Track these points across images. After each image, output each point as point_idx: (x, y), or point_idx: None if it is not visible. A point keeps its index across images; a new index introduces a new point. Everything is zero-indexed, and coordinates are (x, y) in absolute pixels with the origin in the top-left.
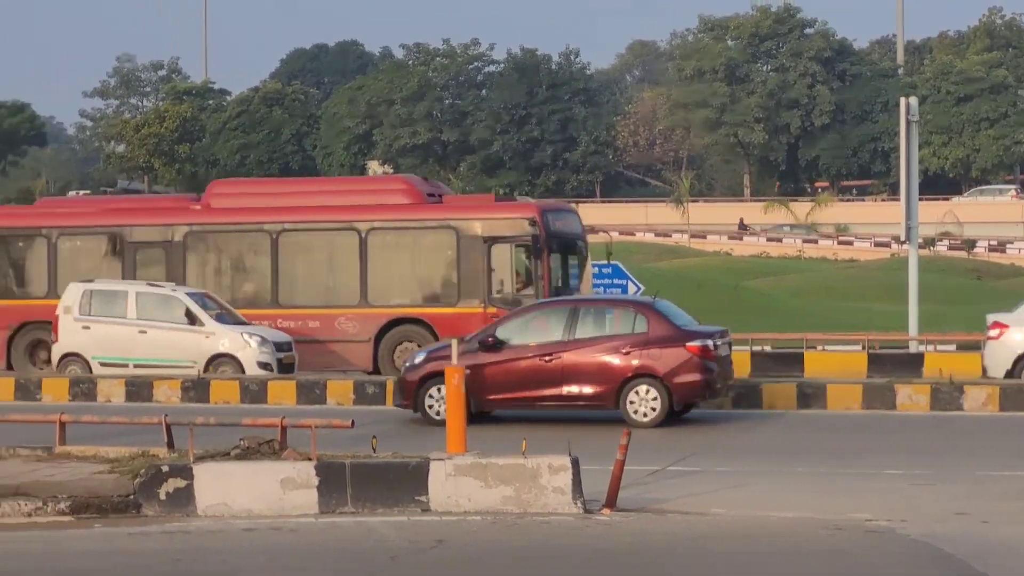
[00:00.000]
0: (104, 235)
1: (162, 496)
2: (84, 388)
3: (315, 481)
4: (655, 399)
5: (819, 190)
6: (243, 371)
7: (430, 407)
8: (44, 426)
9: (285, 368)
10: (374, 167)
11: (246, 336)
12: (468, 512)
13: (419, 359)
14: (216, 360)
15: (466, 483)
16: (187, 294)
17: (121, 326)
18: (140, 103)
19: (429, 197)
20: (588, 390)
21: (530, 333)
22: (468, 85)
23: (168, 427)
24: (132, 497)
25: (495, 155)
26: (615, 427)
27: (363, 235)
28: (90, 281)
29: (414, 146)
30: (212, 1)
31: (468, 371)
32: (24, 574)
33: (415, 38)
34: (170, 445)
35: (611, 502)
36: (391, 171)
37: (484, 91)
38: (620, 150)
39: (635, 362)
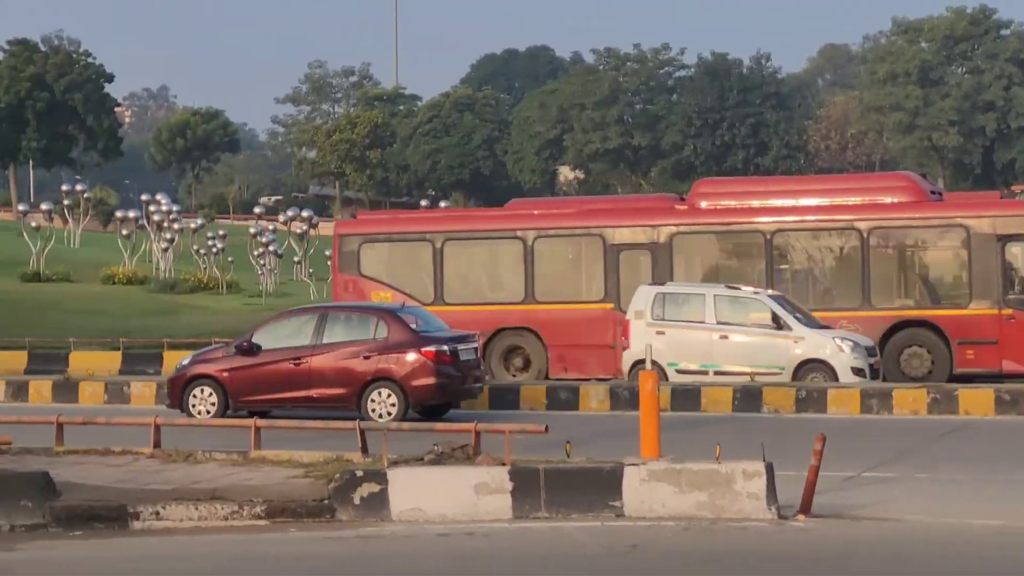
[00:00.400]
0: (583, 237)
1: (356, 501)
2: None
3: (509, 486)
4: (393, 401)
5: (1016, 193)
6: (836, 378)
7: (193, 407)
8: (240, 431)
9: (875, 374)
10: (565, 172)
11: (838, 341)
12: (662, 517)
13: (187, 361)
14: (805, 366)
15: (660, 488)
16: (770, 297)
17: (699, 331)
18: (331, 109)
19: (932, 195)
20: (332, 392)
21: (283, 338)
22: (659, 89)
23: (362, 432)
24: (326, 502)
25: (686, 159)
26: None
27: (864, 235)
28: (661, 284)
29: (605, 151)
30: (403, 7)
31: (226, 374)
32: (223, 575)
33: (606, 43)
34: (364, 450)
35: (806, 508)
36: (581, 176)
37: (675, 95)
38: (812, 154)
39: (374, 366)
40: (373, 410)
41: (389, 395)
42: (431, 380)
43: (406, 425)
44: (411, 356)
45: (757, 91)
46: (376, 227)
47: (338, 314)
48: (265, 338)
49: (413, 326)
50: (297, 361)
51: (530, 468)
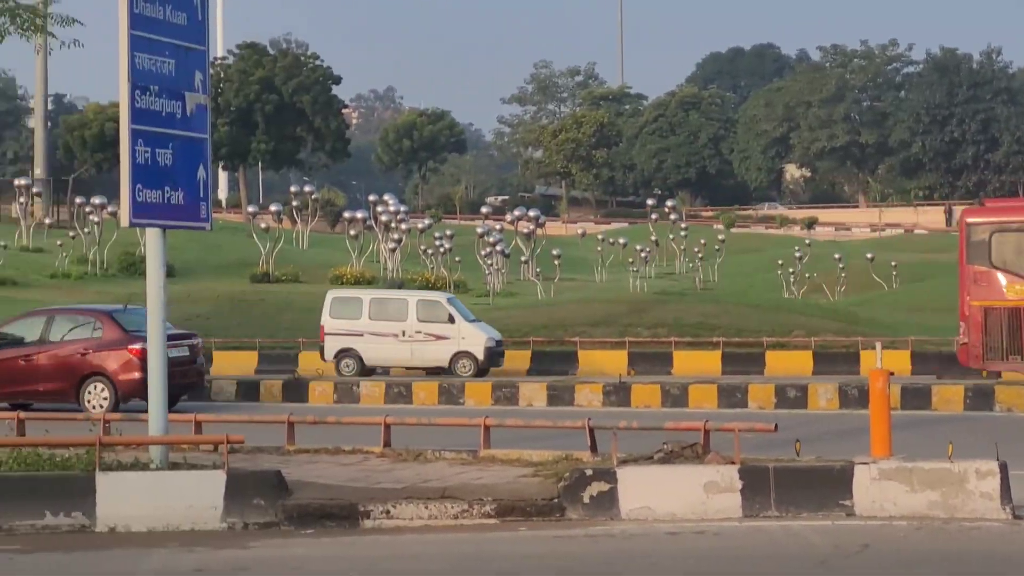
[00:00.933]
0: None
1: (586, 500)
2: (506, 392)
3: (738, 485)
4: (105, 395)
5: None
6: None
7: None
8: (467, 430)
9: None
10: (791, 170)
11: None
12: (893, 517)
13: None
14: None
15: (891, 487)
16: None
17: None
18: (557, 109)
19: None
20: (55, 386)
21: (22, 336)
22: (886, 86)
23: (592, 431)
24: (556, 500)
25: (914, 157)
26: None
27: None
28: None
29: (832, 149)
30: (628, 6)
31: None
32: (455, 574)
33: (832, 40)
34: (593, 449)
35: None
36: (808, 174)
37: (903, 92)
38: None
39: (89, 363)
40: (89, 402)
41: (103, 389)
42: (138, 375)
43: (635, 424)
44: (120, 354)
45: (988, 86)
46: (1009, 215)
47: (64, 315)
48: (10, 334)
49: (127, 327)
50: (27, 358)
51: (760, 467)
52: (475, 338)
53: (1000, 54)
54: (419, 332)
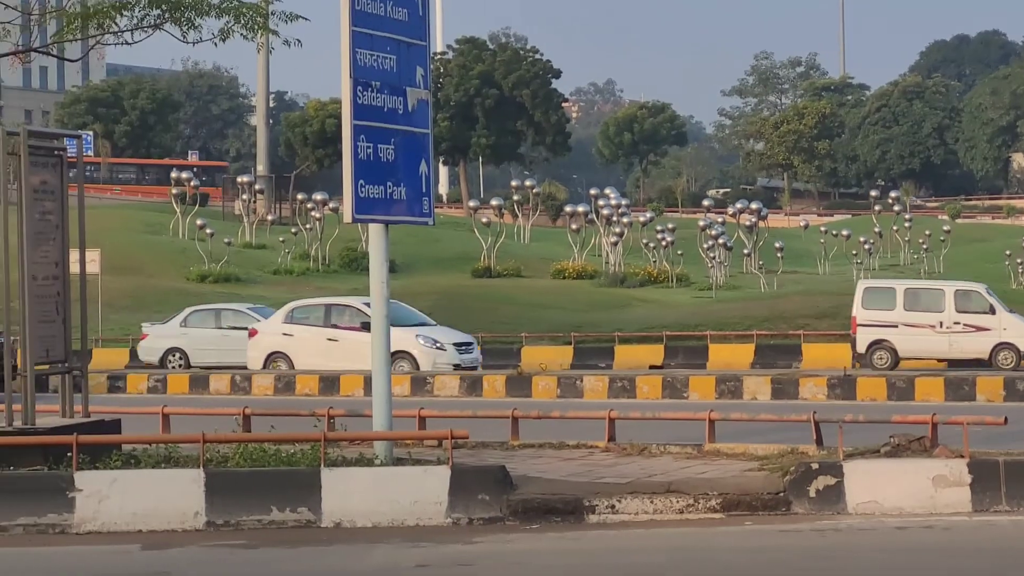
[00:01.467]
0: None
1: (811, 494)
2: (730, 386)
3: (968, 479)
4: None
5: None
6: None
7: None
8: (692, 424)
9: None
10: (1018, 159)
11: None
12: None
13: None
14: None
15: None
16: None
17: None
18: (778, 100)
19: None
20: None
21: None
22: None
23: (817, 425)
24: (782, 495)
25: None
26: None
27: None
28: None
29: None
30: None
31: None
32: (682, 569)
33: None
34: (819, 443)
35: None
36: None
37: None
38: None
39: None
40: None
41: None
42: None
43: (862, 417)
44: None
45: None
46: None
47: None
48: None
49: None
50: None
51: (990, 460)
52: (1018, 329)
53: None
54: (957, 323)
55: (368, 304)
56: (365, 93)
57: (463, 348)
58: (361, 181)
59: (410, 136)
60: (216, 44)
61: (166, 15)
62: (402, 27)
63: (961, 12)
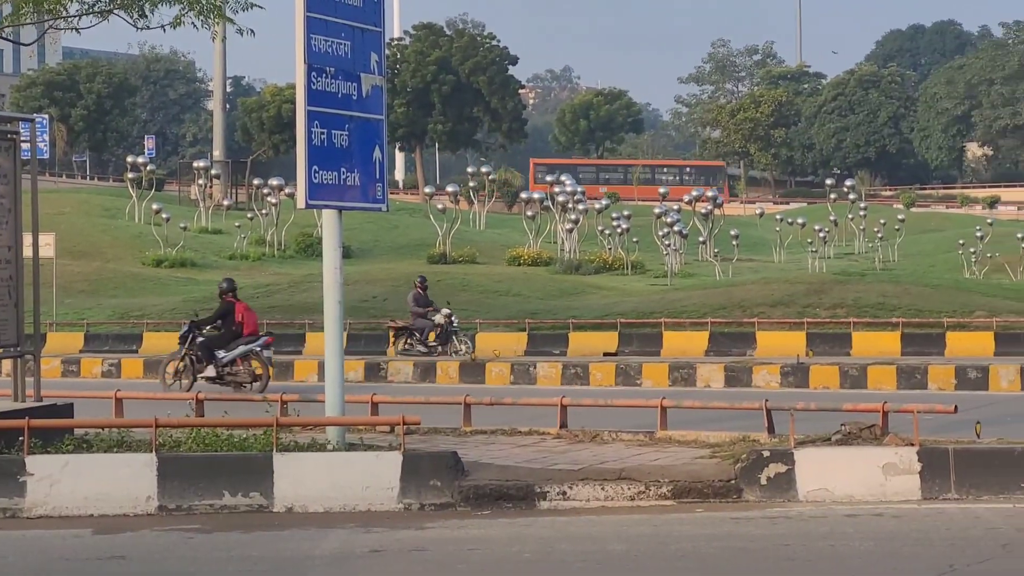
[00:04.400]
0: None
1: (763, 481)
2: (683, 374)
3: (917, 467)
4: None
5: None
6: None
7: None
8: (644, 411)
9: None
10: (972, 149)
11: None
12: None
13: None
14: None
15: None
16: None
17: None
18: (735, 88)
19: None
20: None
21: None
22: None
23: (769, 412)
24: (733, 482)
25: None
26: None
27: None
28: None
29: (1015, 126)
30: None
31: None
32: (633, 556)
33: (1014, 16)
34: (771, 430)
35: None
36: (990, 153)
37: None
38: None
39: None
40: None
41: None
42: None
43: (813, 405)
44: None
45: None
46: None
47: None
48: None
49: None
50: None
51: (940, 448)
52: None
53: None
54: None
55: None
56: (319, 79)
57: None
58: (315, 167)
59: (364, 122)
60: (164, 30)
61: (116, 1)
62: (356, 13)
63: (917, 2)
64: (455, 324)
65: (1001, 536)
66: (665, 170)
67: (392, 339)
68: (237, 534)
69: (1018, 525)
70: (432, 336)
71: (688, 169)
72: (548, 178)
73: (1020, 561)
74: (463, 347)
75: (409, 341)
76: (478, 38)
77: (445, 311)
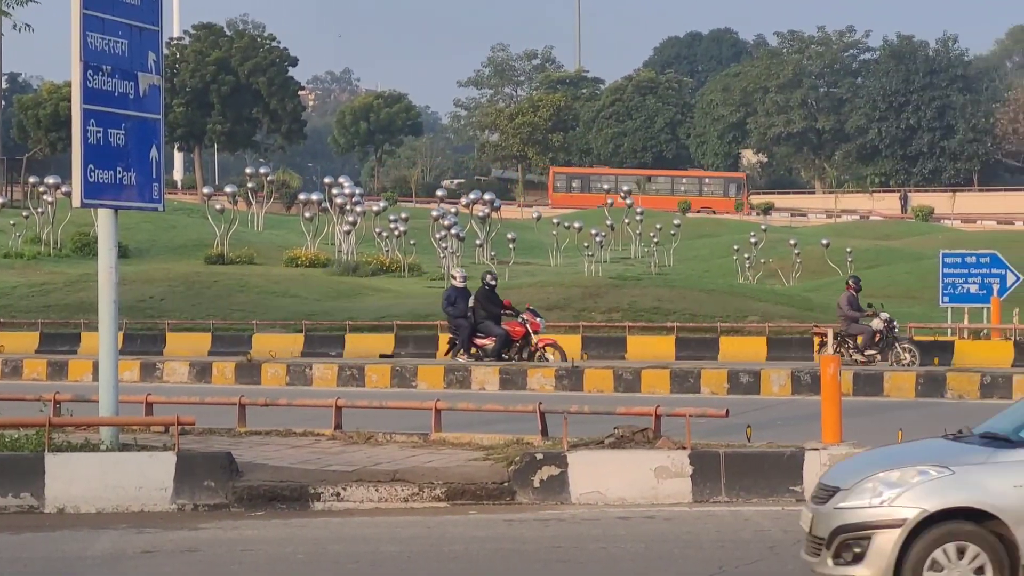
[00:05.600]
0: None
1: (536, 483)
2: (459, 376)
3: (689, 470)
4: None
5: None
6: None
7: None
8: (420, 413)
9: None
10: (747, 155)
11: None
12: None
13: None
14: None
15: None
16: None
17: None
18: (514, 92)
19: None
20: None
21: None
22: (843, 73)
23: (543, 415)
24: (506, 484)
25: (870, 143)
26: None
27: None
28: None
29: (788, 134)
30: None
31: None
32: (406, 557)
33: (789, 26)
34: (544, 433)
35: None
36: (764, 159)
37: (859, 78)
38: (999, 138)
39: None
40: None
41: None
42: None
43: (587, 408)
44: None
45: (943, 74)
46: None
47: None
48: None
49: None
50: None
51: (710, 452)
52: None
53: (956, 41)
54: None
55: None
56: (96, 77)
57: None
58: (91, 166)
59: (141, 121)
60: None
61: None
62: (134, 11)
63: (695, 10)
64: (895, 329)
65: (769, 538)
66: (685, 181)
67: (817, 346)
68: (6, 536)
69: (785, 527)
70: (867, 340)
71: (707, 180)
72: (574, 185)
73: (787, 562)
74: (907, 356)
75: (842, 348)
76: (258, 39)
77: (884, 315)
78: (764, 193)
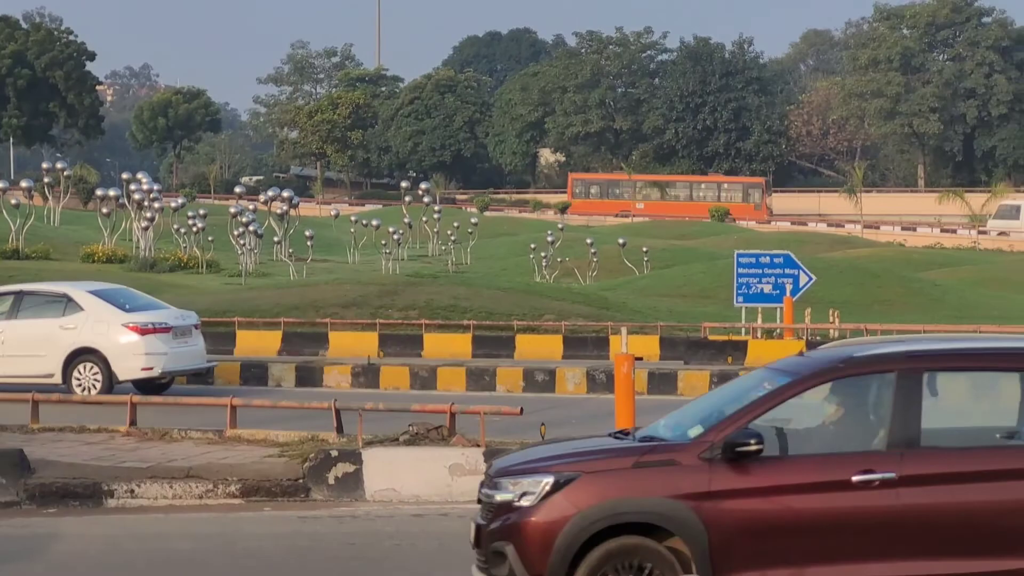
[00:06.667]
0: None
1: (331, 480)
2: (256, 372)
3: (483, 467)
4: None
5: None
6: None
7: None
8: (216, 410)
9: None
10: (546, 155)
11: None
12: None
13: None
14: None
15: None
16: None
17: None
18: (313, 90)
19: None
20: None
21: None
22: (641, 73)
23: (338, 412)
24: (301, 481)
25: (667, 143)
26: None
27: None
28: None
29: (586, 134)
30: None
31: None
32: (200, 555)
33: (588, 26)
34: (339, 430)
35: None
36: (562, 159)
37: (657, 79)
38: (793, 139)
39: None
40: None
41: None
42: None
43: (382, 405)
44: None
45: (739, 76)
46: None
47: None
48: None
49: None
50: None
51: (504, 450)
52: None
53: (752, 44)
54: None
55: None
56: None
57: None
58: None
59: None
60: None
61: None
62: None
63: (494, 9)
64: None
65: None
66: (704, 186)
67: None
68: None
69: None
70: None
71: (726, 185)
72: (592, 191)
73: None
74: None
75: None
76: (55, 32)
77: None
78: (561, 192)
